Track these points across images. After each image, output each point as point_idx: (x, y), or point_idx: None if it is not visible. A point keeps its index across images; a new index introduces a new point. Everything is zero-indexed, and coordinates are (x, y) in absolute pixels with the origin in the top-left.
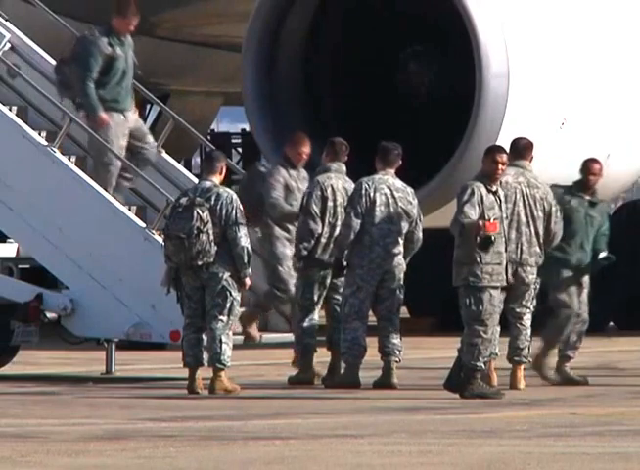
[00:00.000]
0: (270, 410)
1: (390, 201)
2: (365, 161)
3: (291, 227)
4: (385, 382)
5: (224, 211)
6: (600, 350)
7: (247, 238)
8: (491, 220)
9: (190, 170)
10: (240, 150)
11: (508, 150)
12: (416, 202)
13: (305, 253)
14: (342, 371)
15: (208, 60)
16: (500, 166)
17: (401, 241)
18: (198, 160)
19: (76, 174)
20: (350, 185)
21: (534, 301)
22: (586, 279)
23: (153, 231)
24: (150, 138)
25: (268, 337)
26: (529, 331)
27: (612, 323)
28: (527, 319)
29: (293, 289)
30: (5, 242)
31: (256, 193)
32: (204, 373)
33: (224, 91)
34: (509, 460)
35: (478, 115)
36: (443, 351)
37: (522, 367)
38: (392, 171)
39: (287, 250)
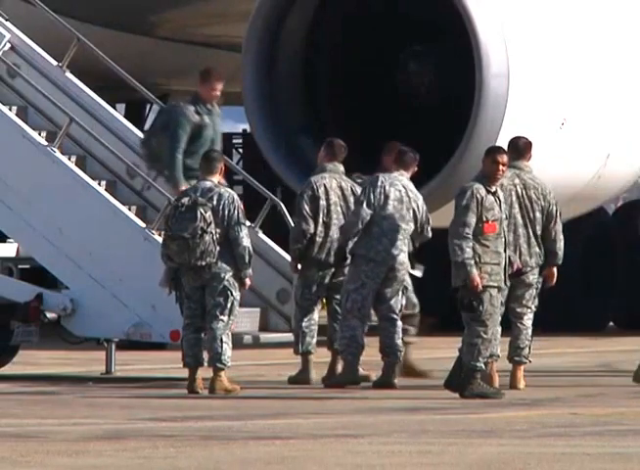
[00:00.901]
0: (270, 410)
1: (405, 199)
2: (365, 161)
3: None
4: (385, 382)
5: (226, 212)
6: (600, 350)
7: (248, 238)
8: (489, 222)
9: None
10: (240, 150)
11: (506, 149)
12: (425, 208)
13: (299, 253)
14: (340, 369)
15: (208, 60)
16: (501, 168)
17: (407, 241)
18: None
19: (76, 174)
20: (348, 184)
21: (535, 300)
22: None
23: (153, 231)
24: None
25: (268, 337)
26: (530, 331)
27: (612, 323)
28: (528, 319)
29: None
30: (5, 242)
31: None
32: (204, 373)
33: (224, 91)
34: (509, 460)
35: (478, 115)
36: (443, 351)
37: (522, 367)
38: (407, 175)
39: None
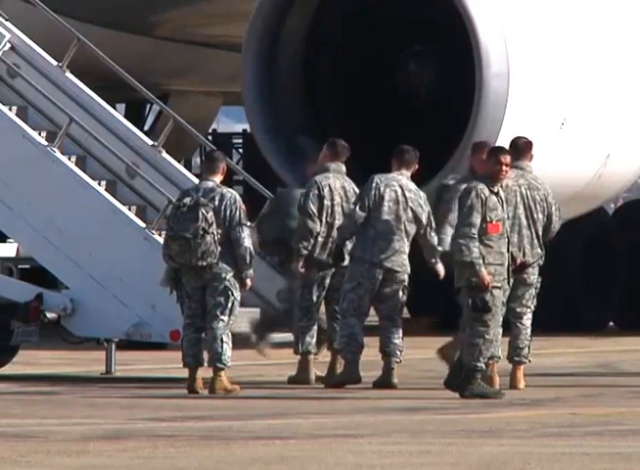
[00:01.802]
0: (270, 410)
1: (401, 199)
2: (365, 161)
3: None
4: (385, 382)
5: (228, 212)
6: (600, 350)
7: (249, 239)
8: (493, 222)
9: (190, 170)
10: (240, 150)
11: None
12: (428, 208)
13: (305, 252)
14: (340, 368)
15: (208, 60)
16: (504, 168)
17: (407, 241)
18: (198, 160)
19: (76, 174)
20: (350, 185)
21: (535, 300)
22: None
23: (153, 231)
24: None
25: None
26: (529, 331)
27: (612, 323)
28: (528, 319)
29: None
30: (5, 242)
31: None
32: (203, 373)
33: (224, 91)
34: (509, 460)
35: (478, 114)
36: None
37: (521, 367)
38: (408, 174)
39: None
